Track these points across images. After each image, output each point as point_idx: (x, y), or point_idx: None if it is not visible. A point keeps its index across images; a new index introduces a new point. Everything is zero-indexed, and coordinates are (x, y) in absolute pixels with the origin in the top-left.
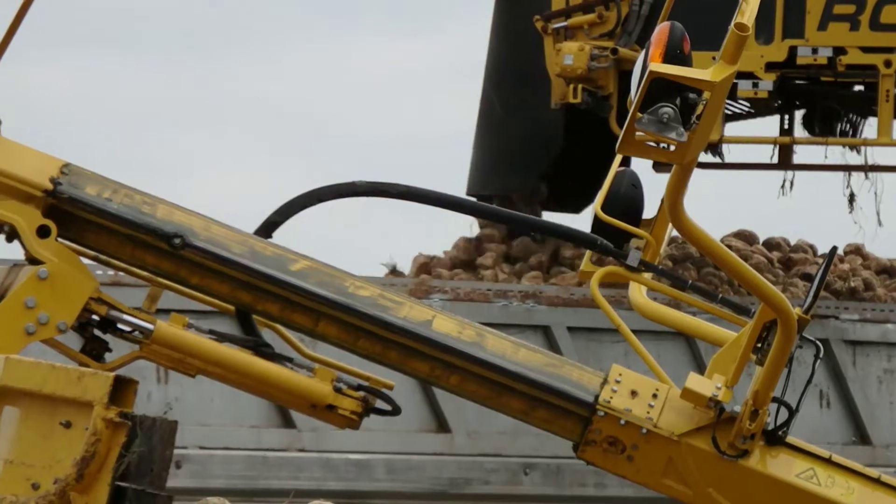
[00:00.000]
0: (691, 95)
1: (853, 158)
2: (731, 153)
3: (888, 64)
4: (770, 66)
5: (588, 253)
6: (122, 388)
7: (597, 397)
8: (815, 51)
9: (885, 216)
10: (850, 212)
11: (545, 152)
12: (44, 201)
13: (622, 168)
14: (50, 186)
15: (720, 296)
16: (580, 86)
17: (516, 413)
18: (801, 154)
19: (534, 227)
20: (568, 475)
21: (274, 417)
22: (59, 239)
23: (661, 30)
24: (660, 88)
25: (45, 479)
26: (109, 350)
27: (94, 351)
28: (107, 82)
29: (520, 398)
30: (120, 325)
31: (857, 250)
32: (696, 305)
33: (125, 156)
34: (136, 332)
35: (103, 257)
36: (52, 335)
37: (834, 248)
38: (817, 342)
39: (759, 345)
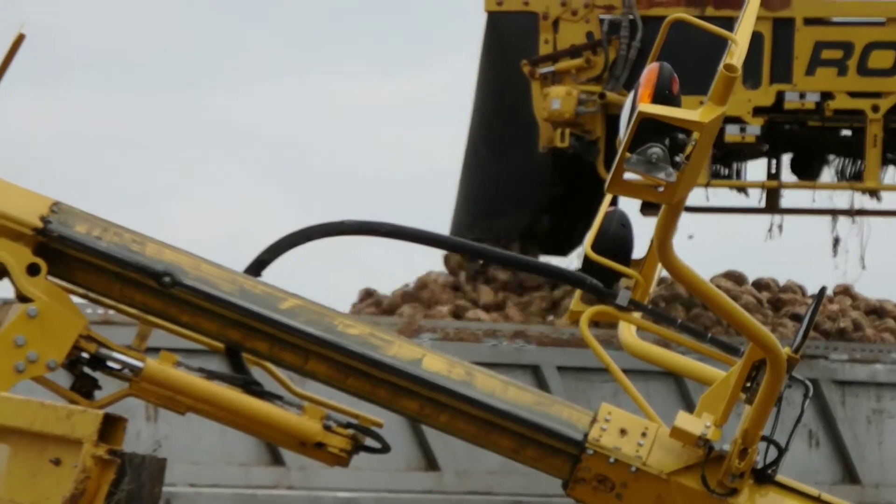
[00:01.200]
0: (680, 136)
1: (841, 202)
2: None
3: (875, 109)
4: (758, 111)
5: (578, 292)
6: (111, 426)
7: (586, 435)
8: (802, 95)
9: (870, 259)
10: (834, 255)
11: (532, 196)
12: (33, 239)
13: (612, 208)
14: (40, 225)
15: (709, 335)
16: (567, 130)
17: (506, 451)
18: (789, 197)
19: (524, 267)
20: None
21: (263, 455)
22: (49, 277)
23: (650, 70)
24: (649, 129)
25: None
26: (99, 388)
27: (84, 388)
28: (88, 116)
29: (509, 437)
30: (109, 363)
31: (846, 290)
32: (685, 345)
33: (108, 189)
34: (126, 370)
35: (93, 295)
36: (41, 373)
37: (823, 289)
38: (806, 381)
39: (749, 384)
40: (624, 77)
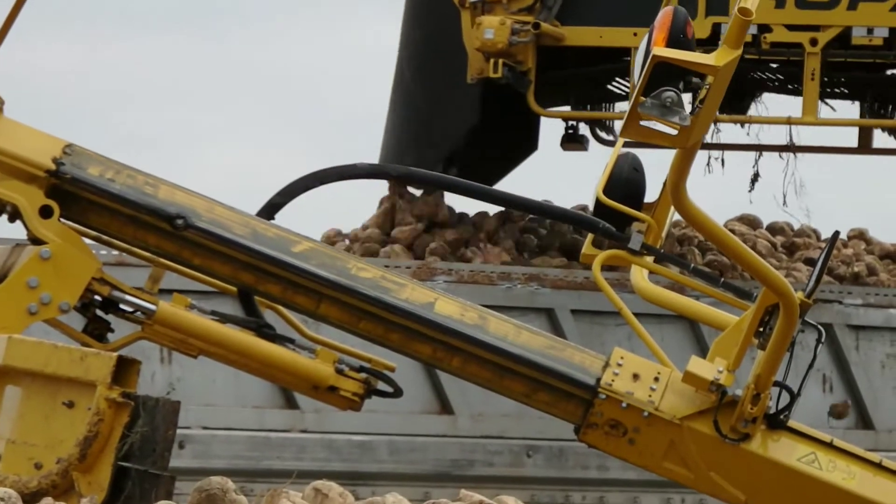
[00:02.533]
0: (694, 80)
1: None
2: None
3: (814, 42)
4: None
5: (590, 236)
6: (124, 369)
7: (598, 380)
8: None
9: (886, 202)
10: (751, 190)
11: (460, 125)
12: (46, 182)
13: (624, 151)
14: (52, 167)
15: (722, 279)
16: (500, 60)
17: (518, 396)
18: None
19: (536, 210)
20: (571, 458)
21: (277, 398)
22: (62, 219)
23: (664, 14)
24: (663, 73)
25: (48, 459)
26: (112, 330)
27: (97, 331)
28: (109, 58)
29: (522, 381)
30: (122, 306)
31: (860, 235)
32: (698, 289)
33: (126, 131)
34: (139, 313)
35: (105, 238)
36: (54, 315)
37: (836, 233)
38: (819, 326)
39: (762, 329)
40: (556, 7)
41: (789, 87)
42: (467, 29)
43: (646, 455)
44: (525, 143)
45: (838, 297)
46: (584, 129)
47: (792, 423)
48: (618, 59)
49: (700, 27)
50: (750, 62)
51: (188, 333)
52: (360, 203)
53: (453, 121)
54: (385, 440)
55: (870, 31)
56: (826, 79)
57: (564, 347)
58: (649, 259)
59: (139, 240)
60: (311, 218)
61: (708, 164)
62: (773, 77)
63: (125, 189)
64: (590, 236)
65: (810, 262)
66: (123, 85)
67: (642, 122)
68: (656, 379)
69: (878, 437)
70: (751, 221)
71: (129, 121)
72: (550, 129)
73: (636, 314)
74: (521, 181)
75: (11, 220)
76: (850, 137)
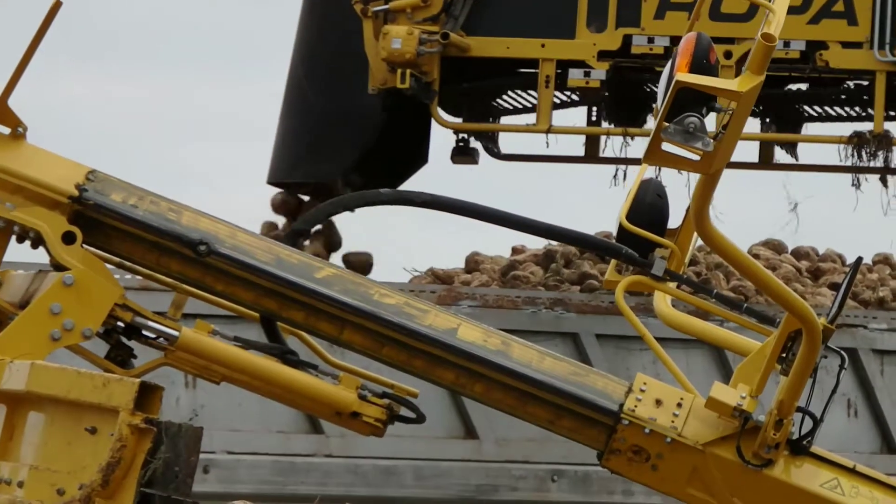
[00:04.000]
0: (717, 105)
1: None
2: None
3: (728, 55)
4: (603, 55)
5: (613, 262)
6: (147, 394)
7: (621, 406)
8: (651, 40)
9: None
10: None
11: (359, 138)
12: (69, 208)
13: (647, 178)
14: (76, 193)
15: (745, 305)
16: (408, 71)
17: (542, 422)
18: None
19: (560, 237)
20: (596, 483)
21: (302, 423)
22: (85, 245)
23: (688, 39)
24: (686, 98)
25: (71, 485)
26: (135, 357)
27: (120, 357)
28: (131, 92)
29: (545, 407)
30: (145, 332)
31: (885, 260)
32: (721, 315)
33: (152, 163)
34: (161, 339)
35: (128, 264)
36: (77, 341)
37: (859, 259)
38: (842, 352)
39: (784, 354)
40: (462, 17)
41: None
42: (369, 38)
43: (669, 481)
44: (417, 156)
45: (863, 322)
46: (474, 142)
47: (815, 448)
48: (513, 73)
49: (610, 38)
50: (645, 72)
51: (211, 360)
52: None
53: (354, 132)
54: (410, 465)
55: (786, 44)
56: None
57: (587, 373)
58: (672, 285)
59: (162, 266)
60: None
61: (615, 177)
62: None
63: (148, 215)
64: (613, 262)
65: (835, 287)
66: (142, 118)
67: (665, 148)
68: (679, 405)
69: None
70: (776, 246)
71: (144, 153)
72: (441, 141)
73: (662, 339)
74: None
75: (34, 246)
76: (752, 152)
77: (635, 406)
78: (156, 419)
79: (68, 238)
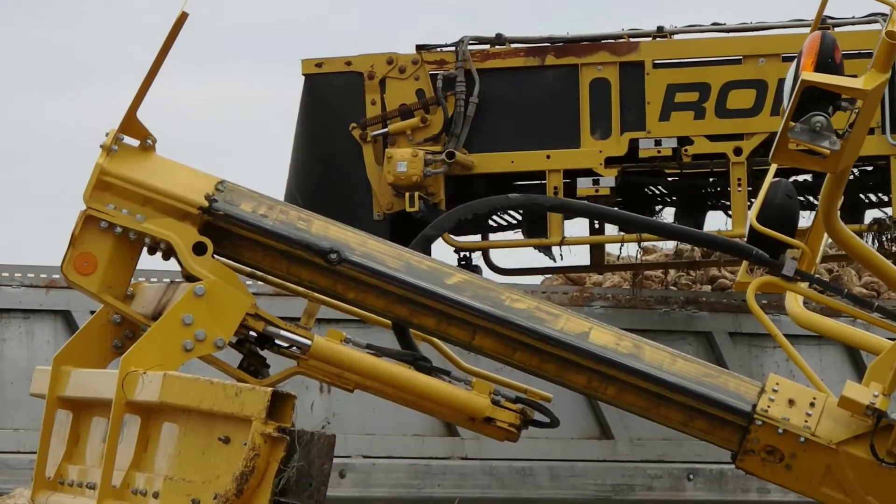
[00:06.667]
0: (843, 104)
1: None
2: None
3: (738, 151)
4: (610, 161)
5: (744, 263)
6: (279, 403)
7: (754, 407)
8: (658, 142)
9: None
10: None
11: None
12: (199, 218)
13: (777, 179)
14: (206, 204)
15: (876, 304)
16: (417, 193)
17: (675, 423)
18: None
19: (691, 239)
20: (731, 481)
21: (437, 426)
22: (215, 256)
23: (813, 39)
24: (812, 97)
25: (205, 495)
26: (267, 366)
27: (253, 367)
28: (245, 96)
29: (678, 409)
30: (277, 341)
31: None
32: (852, 314)
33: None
34: (294, 348)
35: (259, 273)
36: (209, 351)
37: None
38: None
39: None
40: (464, 135)
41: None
42: (371, 164)
43: (803, 480)
44: None
45: None
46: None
47: None
48: (515, 187)
49: (616, 144)
50: (654, 175)
51: (344, 368)
52: None
53: None
54: (545, 466)
55: None
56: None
57: (719, 374)
58: (803, 285)
59: (292, 274)
60: None
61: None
62: (668, 193)
63: (278, 224)
64: (744, 263)
65: None
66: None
67: (792, 147)
68: (812, 404)
69: None
70: None
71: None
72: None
73: (794, 337)
74: None
75: (165, 257)
76: None
77: (768, 406)
78: (288, 427)
79: (199, 249)
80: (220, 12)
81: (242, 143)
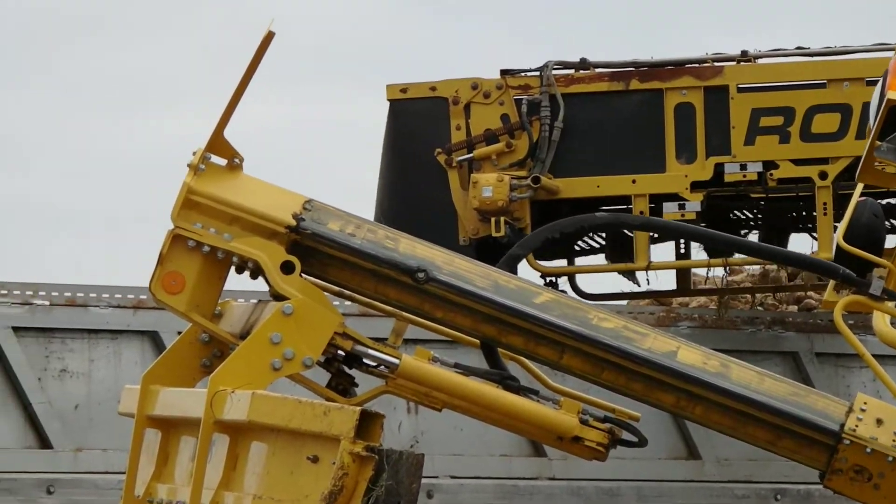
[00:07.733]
0: None
1: None
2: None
3: (823, 176)
4: (696, 186)
5: (831, 283)
6: (368, 422)
7: (842, 426)
8: (743, 167)
9: None
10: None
11: None
12: (287, 237)
13: (863, 198)
14: (293, 223)
15: None
16: (503, 219)
17: (762, 443)
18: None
19: (777, 257)
20: (819, 500)
21: (524, 446)
22: (303, 275)
23: None
24: None
25: None
26: (356, 385)
27: (341, 386)
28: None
29: (765, 428)
30: (365, 360)
31: None
32: None
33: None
34: (382, 367)
35: (346, 292)
36: (297, 370)
37: None
38: None
39: None
40: (549, 159)
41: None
42: (456, 189)
43: (891, 500)
44: None
45: None
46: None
47: None
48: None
49: (701, 169)
50: (740, 199)
51: (432, 387)
52: None
53: None
54: (632, 486)
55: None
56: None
57: (807, 394)
58: (891, 304)
59: (380, 294)
60: None
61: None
62: (753, 216)
63: (366, 243)
64: (831, 282)
65: None
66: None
67: (878, 167)
68: None
69: None
70: None
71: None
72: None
73: (882, 356)
74: None
75: (253, 276)
76: None
77: (856, 426)
78: (377, 447)
79: (287, 268)
80: (302, 30)
81: (328, 162)
